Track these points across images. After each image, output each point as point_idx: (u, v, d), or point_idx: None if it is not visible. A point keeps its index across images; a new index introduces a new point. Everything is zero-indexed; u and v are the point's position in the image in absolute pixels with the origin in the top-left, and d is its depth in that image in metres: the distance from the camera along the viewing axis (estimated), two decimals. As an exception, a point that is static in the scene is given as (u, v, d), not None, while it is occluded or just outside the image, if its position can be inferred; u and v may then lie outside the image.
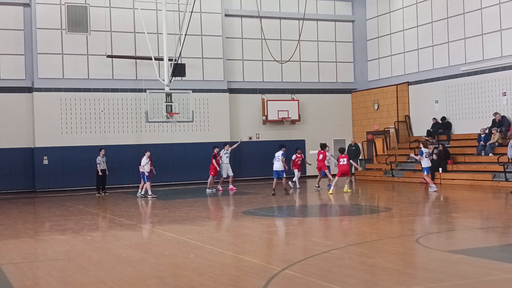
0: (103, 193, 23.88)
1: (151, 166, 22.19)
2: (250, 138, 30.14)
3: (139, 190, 22.45)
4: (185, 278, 8.59)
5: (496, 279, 8.02)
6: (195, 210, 18.46)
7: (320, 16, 31.90)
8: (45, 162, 26.33)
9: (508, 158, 21.16)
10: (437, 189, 21.05)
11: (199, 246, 11.21)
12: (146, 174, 21.81)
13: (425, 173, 21.20)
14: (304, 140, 31.12)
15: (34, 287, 8.40)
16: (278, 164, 21.55)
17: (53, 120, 26.49)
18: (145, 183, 21.93)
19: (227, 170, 24.08)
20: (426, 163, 20.95)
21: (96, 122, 27.23)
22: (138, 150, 26.43)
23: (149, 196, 21.65)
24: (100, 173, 23.76)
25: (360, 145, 30.52)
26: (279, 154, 21.68)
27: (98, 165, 23.74)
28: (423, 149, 21.02)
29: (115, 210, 18.70)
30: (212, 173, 23.49)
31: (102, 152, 23.96)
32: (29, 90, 26.65)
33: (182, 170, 27.78)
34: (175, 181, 27.55)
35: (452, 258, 9.40)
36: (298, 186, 24.45)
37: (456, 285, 7.67)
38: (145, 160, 21.96)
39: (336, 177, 22.05)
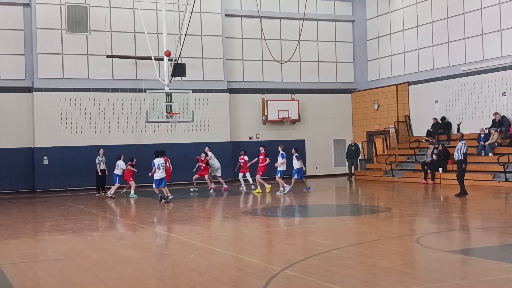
0: (103, 193, 23.90)
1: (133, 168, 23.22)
2: (250, 138, 30.15)
3: (131, 191, 22.89)
4: (185, 278, 8.59)
5: (496, 279, 8.02)
6: (195, 210, 18.48)
7: (320, 16, 31.90)
8: (45, 162, 26.33)
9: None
10: (286, 192, 21.43)
11: (199, 246, 11.21)
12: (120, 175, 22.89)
13: (279, 175, 21.92)
14: (304, 140, 31.13)
15: (34, 287, 8.40)
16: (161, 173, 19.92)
17: (53, 120, 26.49)
18: (115, 184, 22.80)
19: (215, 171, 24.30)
20: (283, 167, 21.96)
21: (96, 122, 27.23)
22: (138, 150, 26.50)
23: (109, 194, 22.46)
24: (99, 173, 23.83)
25: (360, 145, 30.57)
26: (162, 161, 20.17)
27: (97, 165, 23.81)
28: (284, 153, 21.98)
29: (115, 210, 18.70)
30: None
31: (101, 152, 24.03)
32: (29, 90, 26.64)
33: (182, 170, 27.71)
34: (175, 181, 27.52)
35: (452, 258, 9.41)
36: (253, 188, 24.25)
37: (456, 285, 7.67)
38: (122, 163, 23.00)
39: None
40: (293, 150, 22.32)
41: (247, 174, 24.50)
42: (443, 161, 24.64)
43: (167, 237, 13.05)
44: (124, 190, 23.72)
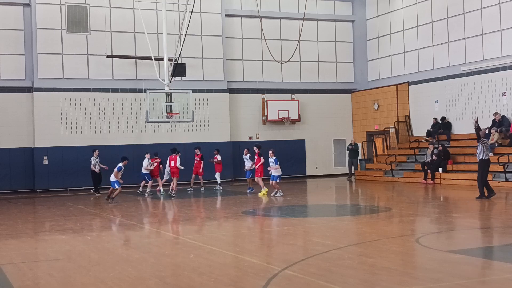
0: (97, 194, 23.88)
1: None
2: (250, 138, 30.15)
3: (146, 189, 23.11)
4: (185, 278, 8.59)
5: (496, 279, 8.02)
6: (195, 210, 18.49)
7: (320, 16, 31.90)
8: (45, 162, 26.33)
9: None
10: (283, 194, 20.89)
11: (199, 246, 11.21)
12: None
13: (277, 180, 20.73)
14: (304, 140, 31.14)
15: (34, 287, 8.40)
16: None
17: (53, 120, 26.49)
18: (147, 182, 23.18)
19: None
20: (277, 171, 20.67)
21: (96, 122, 27.23)
22: (138, 150, 26.49)
23: (147, 194, 22.82)
24: (97, 172, 23.82)
25: (360, 145, 30.59)
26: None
27: (92, 166, 23.78)
28: (274, 157, 20.67)
29: (115, 210, 18.68)
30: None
31: (96, 153, 23.95)
32: (29, 90, 26.65)
33: (182, 170, 27.72)
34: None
35: (452, 258, 9.40)
36: (216, 188, 24.65)
37: (456, 285, 7.66)
38: (146, 162, 22.99)
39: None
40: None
41: (217, 174, 24.71)
42: (443, 161, 24.64)
43: (167, 237, 13.05)
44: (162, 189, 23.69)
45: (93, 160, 23.82)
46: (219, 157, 24.50)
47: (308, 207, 18.93)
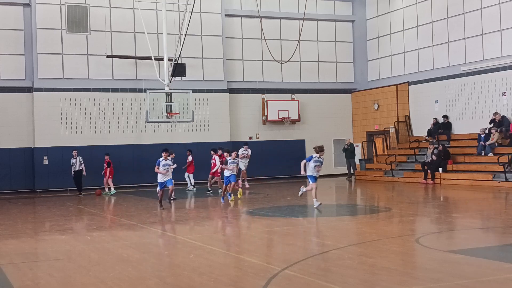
0: (78, 195, 23.88)
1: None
2: (250, 138, 30.15)
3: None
4: (185, 278, 8.59)
5: (496, 279, 8.01)
6: (195, 210, 18.48)
7: (320, 16, 31.90)
8: (45, 162, 26.33)
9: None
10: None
11: (199, 246, 11.21)
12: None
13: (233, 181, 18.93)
14: (304, 140, 31.13)
15: (34, 287, 8.40)
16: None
17: (53, 120, 26.49)
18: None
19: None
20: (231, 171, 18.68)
21: (96, 122, 27.23)
22: (138, 150, 26.51)
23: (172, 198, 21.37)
24: (74, 174, 23.94)
25: (359, 145, 30.57)
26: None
27: (72, 166, 23.97)
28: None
29: (115, 210, 18.69)
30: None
31: (75, 153, 23.91)
32: (29, 90, 26.65)
33: (182, 170, 27.73)
34: (174, 181, 27.40)
35: (452, 258, 9.40)
36: (191, 189, 24.33)
37: (456, 285, 7.67)
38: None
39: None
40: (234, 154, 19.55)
41: (191, 175, 24.49)
42: (443, 161, 24.64)
43: (167, 237, 13.05)
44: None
45: (72, 161, 23.99)
46: (190, 158, 24.35)
47: (308, 207, 18.91)
